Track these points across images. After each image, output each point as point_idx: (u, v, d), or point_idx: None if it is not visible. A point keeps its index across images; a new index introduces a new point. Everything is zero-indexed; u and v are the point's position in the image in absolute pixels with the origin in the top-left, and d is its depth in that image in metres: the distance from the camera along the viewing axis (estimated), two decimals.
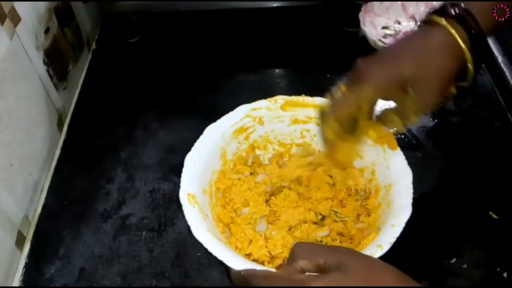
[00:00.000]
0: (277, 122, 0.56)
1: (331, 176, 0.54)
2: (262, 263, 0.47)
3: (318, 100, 0.55)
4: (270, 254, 0.48)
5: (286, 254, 0.47)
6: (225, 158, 0.53)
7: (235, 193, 0.52)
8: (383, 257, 0.41)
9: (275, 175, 0.54)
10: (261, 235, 0.49)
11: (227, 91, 0.70)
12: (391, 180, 0.49)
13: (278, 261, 0.47)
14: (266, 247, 0.48)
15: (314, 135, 0.56)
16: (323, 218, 0.51)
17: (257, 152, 0.56)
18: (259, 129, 0.56)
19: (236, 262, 0.41)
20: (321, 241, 0.48)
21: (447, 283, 0.49)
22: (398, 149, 0.51)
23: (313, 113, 0.54)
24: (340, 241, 0.49)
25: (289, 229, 0.50)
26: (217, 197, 0.51)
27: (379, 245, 0.42)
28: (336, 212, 0.51)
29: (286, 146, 0.57)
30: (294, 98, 0.55)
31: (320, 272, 0.35)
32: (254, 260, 0.47)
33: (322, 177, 0.53)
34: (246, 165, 0.55)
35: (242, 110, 0.54)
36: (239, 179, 0.53)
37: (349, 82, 0.44)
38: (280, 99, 0.55)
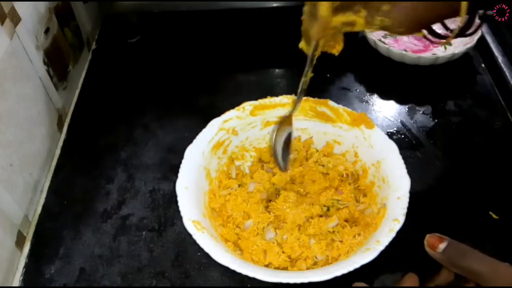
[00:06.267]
0: (250, 129, 0.56)
1: (323, 165, 0.54)
2: (286, 269, 0.47)
3: (285, 99, 0.55)
4: (290, 258, 0.47)
5: (307, 253, 0.47)
6: (210, 177, 0.52)
7: (232, 209, 0.51)
8: (388, 249, 0.42)
9: (265, 181, 0.53)
10: (273, 243, 0.48)
11: (227, 91, 0.70)
12: (379, 157, 0.51)
13: (301, 263, 0.47)
14: (283, 252, 0.47)
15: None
16: (328, 209, 0.50)
17: (237, 163, 0.56)
18: (234, 140, 0.55)
19: (278, 276, 0.41)
20: (333, 232, 0.48)
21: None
22: (376, 127, 0.52)
23: (283, 112, 0.55)
24: (350, 227, 0.49)
25: (299, 229, 0.49)
26: (215, 218, 0.50)
27: (394, 219, 0.44)
28: (338, 200, 0.51)
29: (262, 150, 0.57)
30: (261, 101, 0.55)
31: None
32: (275, 269, 0.46)
33: (315, 168, 0.54)
34: (231, 178, 0.54)
35: (215, 125, 0.54)
36: (229, 194, 0.52)
37: None
38: (248, 105, 0.55)
